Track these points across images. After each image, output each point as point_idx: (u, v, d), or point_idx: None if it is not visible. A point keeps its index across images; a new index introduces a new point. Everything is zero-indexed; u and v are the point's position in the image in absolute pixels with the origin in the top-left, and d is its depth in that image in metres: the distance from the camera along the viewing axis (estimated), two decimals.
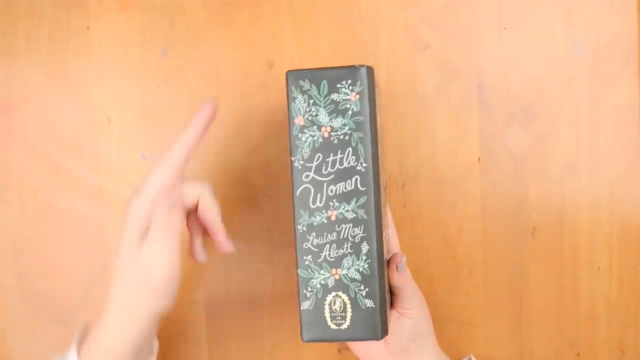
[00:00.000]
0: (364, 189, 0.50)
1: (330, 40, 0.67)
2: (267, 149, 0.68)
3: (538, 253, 0.71)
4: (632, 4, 0.70)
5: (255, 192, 0.68)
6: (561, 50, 0.70)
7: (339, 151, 0.50)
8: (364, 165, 0.50)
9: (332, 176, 0.51)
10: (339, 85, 0.50)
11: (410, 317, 0.58)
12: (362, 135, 0.50)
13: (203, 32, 0.67)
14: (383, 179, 0.56)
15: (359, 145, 0.50)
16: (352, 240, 0.50)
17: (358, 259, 0.50)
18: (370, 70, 0.50)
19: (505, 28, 0.69)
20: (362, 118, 0.50)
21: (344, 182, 0.51)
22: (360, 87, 0.50)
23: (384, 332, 0.50)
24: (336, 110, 0.50)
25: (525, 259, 0.66)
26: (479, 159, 0.70)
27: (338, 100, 0.50)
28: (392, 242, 0.61)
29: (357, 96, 0.50)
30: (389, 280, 0.55)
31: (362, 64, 0.50)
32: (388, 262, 0.55)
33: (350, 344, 0.62)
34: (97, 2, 0.66)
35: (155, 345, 0.61)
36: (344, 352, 0.70)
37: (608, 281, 0.71)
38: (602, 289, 0.71)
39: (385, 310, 0.51)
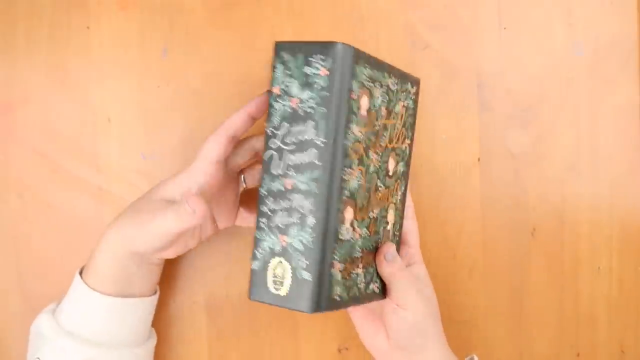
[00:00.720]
0: (320, 163, 0.51)
1: (330, 39, 0.65)
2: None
3: (538, 254, 0.71)
4: (632, 4, 0.70)
5: (256, 192, 0.67)
6: (561, 50, 0.70)
7: (303, 123, 0.52)
8: (323, 140, 0.51)
9: (294, 146, 0.52)
10: (311, 59, 0.51)
11: (407, 311, 0.57)
12: (325, 110, 0.51)
13: (203, 32, 0.67)
14: (388, 166, 0.58)
15: (321, 120, 0.51)
16: (300, 211, 0.51)
17: (303, 231, 0.51)
18: (349, 50, 0.51)
19: (505, 28, 0.70)
20: (328, 94, 0.50)
21: (302, 154, 0.52)
22: (331, 63, 0.50)
23: (317, 307, 0.51)
24: (307, 83, 0.52)
25: (525, 260, 0.66)
26: (478, 159, 0.70)
27: (309, 73, 0.51)
28: (411, 235, 0.62)
29: (327, 72, 0.51)
30: (376, 268, 0.57)
31: (348, 43, 0.51)
32: (377, 250, 0.57)
33: (360, 335, 0.62)
34: (97, 2, 0.66)
35: (154, 335, 0.63)
36: (344, 352, 0.70)
37: (608, 282, 0.71)
38: (602, 289, 0.71)
39: (324, 287, 0.51)
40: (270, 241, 0.52)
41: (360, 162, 0.53)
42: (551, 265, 0.71)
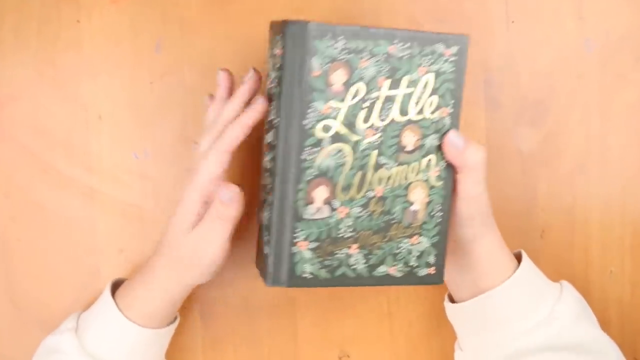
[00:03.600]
0: (275, 142, 0.53)
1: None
2: None
3: (547, 256, 0.70)
4: None
5: (255, 193, 0.67)
6: (571, 45, 0.70)
7: (271, 104, 0.55)
8: (277, 119, 0.53)
9: (267, 126, 0.56)
10: (277, 38, 0.54)
11: (459, 197, 0.57)
12: (279, 90, 0.52)
13: (198, 25, 0.66)
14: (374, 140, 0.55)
15: (277, 99, 0.53)
16: (267, 188, 0.55)
17: (266, 207, 0.55)
18: (301, 27, 0.51)
19: (513, 21, 0.69)
20: (281, 73, 0.52)
21: (269, 134, 0.55)
22: (283, 42, 0.52)
23: (274, 282, 0.53)
24: (274, 63, 0.54)
25: (535, 262, 0.64)
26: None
27: (275, 53, 0.54)
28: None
29: (281, 50, 0.52)
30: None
31: (309, 20, 0.51)
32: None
33: None
34: None
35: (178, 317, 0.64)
36: (345, 359, 0.70)
37: (620, 285, 0.71)
38: (614, 293, 0.71)
39: (283, 263, 0.53)
40: (258, 215, 0.58)
41: (339, 139, 0.53)
42: (561, 268, 0.71)
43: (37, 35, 0.65)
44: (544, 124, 0.70)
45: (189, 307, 0.67)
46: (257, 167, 0.60)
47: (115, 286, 0.62)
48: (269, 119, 0.55)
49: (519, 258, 0.62)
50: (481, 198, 0.57)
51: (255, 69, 0.59)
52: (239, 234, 0.66)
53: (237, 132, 0.56)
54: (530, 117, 0.70)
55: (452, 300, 0.63)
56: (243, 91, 0.58)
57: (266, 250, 0.54)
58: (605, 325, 0.67)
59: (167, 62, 0.66)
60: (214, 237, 0.56)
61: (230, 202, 0.55)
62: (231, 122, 0.57)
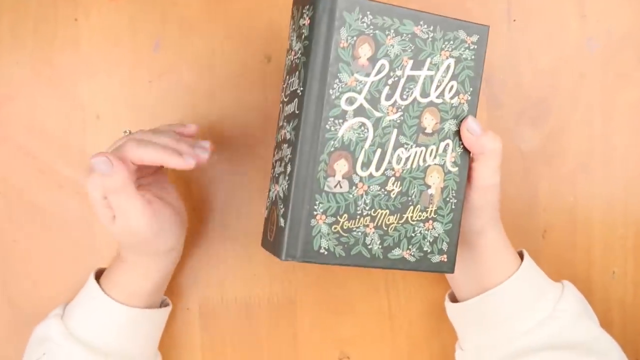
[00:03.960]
0: (298, 112, 0.53)
1: None
2: (266, 147, 0.67)
3: (549, 256, 0.70)
4: None
5: (253, 193, 0.67)
6: (573, 44, 0.69)
7: (294, 74, 0.55)
8: (301, 89, 0.53)
9: (287, 98, 0.56)
10: (304, 10, 0.54)
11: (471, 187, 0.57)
12: (305, 59, 0.53)
13: (197, 25, 0.66)
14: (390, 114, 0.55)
15: (302, 69, 0.53)
16: (285, 160, 0.54)
17: (284, 179, 0.54)
18: (333, 1, 0.52)
19: (514, 20, 0.69)
20: (308, 43, 0.52)
21: (290, 104, 0.55)
22: (311, 11, 0.52)
23: (290, 255, 0.52)
24: (299, 34, 0.54)
25: (536, 262, 0.63)
26: None
27: (301, 24, 0.54)
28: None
29: (309, 21, 0.53)
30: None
31: None
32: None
33: None
34: None
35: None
36: None
37: (623, 286, 0.71)
38: (616, 294, 0.71)
39: (299, 236, 0.53)
40: (272, 190, 0.56)
41: (362, 113, 0.53)
42: (563, 268, 0.70)
43: (34, 33, 0.65)
44: (546, 123, 0.69)
45: (187, 307, 0.67)
46: None
47: (99, 276, 0.62)
48: (292, 89, 0.54)
49: (520, 257, 0.62)
50: (494, 189, 0.58)
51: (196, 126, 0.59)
52: (234, 233, 0.67)
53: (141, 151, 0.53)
54: (532, 116, 0.69)
55: (452, 300, 0.63)
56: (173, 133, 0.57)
57: (281, 222, 0.53)
58: (607, 326, 0.67)
59: (166, 62, 0.66)
60: (128, 209, 0.54)
61: (106, 171, 0.52)
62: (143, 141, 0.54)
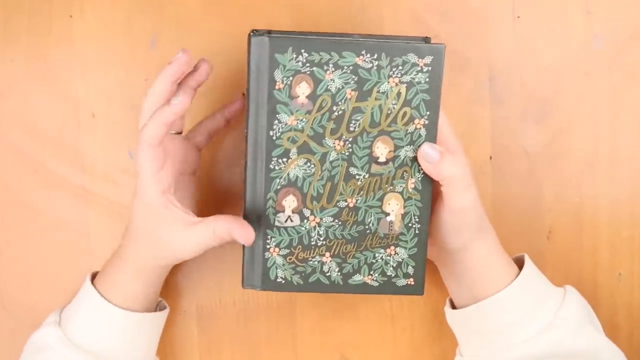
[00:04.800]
0: (245, 151, 0.55)
1: (331, 28, 0.66)
2: None
3: (554, 258, 0.69)
4: None
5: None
6: (579, 41, 0.69)
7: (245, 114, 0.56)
8: (246, 130, 0.55)
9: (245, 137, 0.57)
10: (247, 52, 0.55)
11: (445, 207, 0.56)
12: (246, 102, 0.54)
13: (195, 21, 0.66)
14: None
15: (246, 110, 0.55)
16: (242, 195, 0.57)
17: (242, 213, 0.57)
18: (261, 41, 0.53)
19: (519, 17, 0.69)
20: (247, 86, 0.54)
21: (244, 143, 0.56)
22: (247, 56, 0.54)
23: (249, 284, 0.57)
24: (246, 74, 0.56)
25: (541, 264, 0.63)
26: (490, 157, 0.69)
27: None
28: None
29: (246, 65, 0.54)
30: None
31: (272, 33, 0.54)
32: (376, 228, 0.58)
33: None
34: None
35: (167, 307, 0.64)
36: None
37: (630, 288, 0.70)
38: (623, 296, 0.70)
39: (256, 267, 0.56)
40: None
41: (306, 150, 0.55)
42: (568, 270, 0.70)
43: (28, 29, 0.65)
44: (551, 122, 0.69)
45: (185, 309, 0.67)
46: None
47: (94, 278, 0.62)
48: (244, 130, 0.56)
49: (522, 261, 0.61)
50: (467, 211, 0.57)
51: (184, 50, 0.56)
52: None
53: (157, 123, 0.53)
54: (536, 115, 0.69)
55: (452, 306, 0.63)
56: (168, 73, 0.55)
57: (243, 253, 0.56)
58: (613, 330, 0.68)
59: (163, 59, 0.66)
60: (195, 245, 0.55)
61: (236, 238, 0.54)
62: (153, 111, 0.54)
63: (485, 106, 0.68)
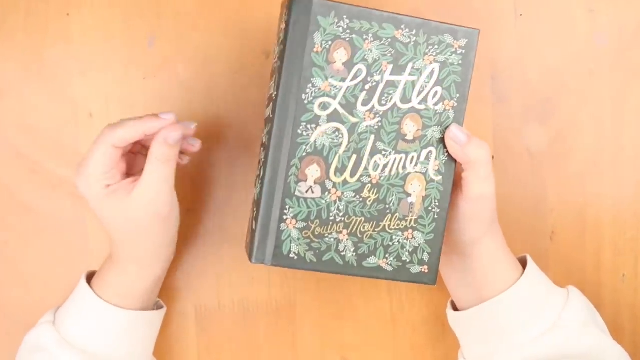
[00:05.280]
0: (272, 116, 0.53)
1: None
2: None
3: (557, 258, 0.69)
4: None
5: (250, 194, 0.67)
6: (582, 39, 0.69)
7: (272, 78, 0.56)
8: (275, 93, 0.53)
9: (266, 102, 0.57)
10: (283, 14, 0.55)
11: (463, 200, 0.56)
12: (280, 63, 0.53)
13: (193, 19, 0.66)
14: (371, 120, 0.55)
15: (277, 73, 0.54)
16: (260, 163, 0.56)
17: (258, 182, 0.55)
18: (305, 2, 0.52)
19: (521, 15, 0.69)
20: (282, 47, 0.53)
21: (268, 108, 0.56)
22: (286, 15, 0.53)
23: (260, 259, 0.54)
24: (278, 38, 0.56)
25: (543, 265, 0.63)
26: (493, 157, 0.68)
27: (281, 28, 0.55)
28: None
29: (284, 25, 0.53)
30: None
31: None
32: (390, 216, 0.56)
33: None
34: None
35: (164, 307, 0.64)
36: None
37: (633, 289, 0.70)
38: (626, 298, 0.70)
39: (269, 240, 0.54)
40: (254, 192, 0.57)
41: (336, 118, 0.54)
42: (571, 271, 0.70)
43: (24, 28, 0.65)
44: (554, 121, 0.69)
45: (183, 309, 0.67)
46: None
47: (90, 278, 0.61)
48: (269, 93, 0.56)
49: (524, 262, 0.61)
50: (486, 199, 0.56)
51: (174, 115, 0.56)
52: (231, 234, 0.67)
53: (131, 131, 0.54)
54: (539, 114, 0.69)
55: (454, 308, 0.63)
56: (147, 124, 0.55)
57: (254, 225, 0.55)
58: (617, 331, 0.67)
59: (161, 58, 0.66)
60: (161, 183, 0.54)
61: (176, 142, 0.54)
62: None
63: (487, 105, 0.68)
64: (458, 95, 0.55)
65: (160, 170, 0.54)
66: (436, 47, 0.54)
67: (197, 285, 0.67)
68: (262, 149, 0.56)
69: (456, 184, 0.56)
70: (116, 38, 0.65)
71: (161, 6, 0.65)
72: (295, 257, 0.54)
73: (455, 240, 0.58)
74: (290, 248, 0.54)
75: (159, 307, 0.63)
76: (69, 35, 0.65)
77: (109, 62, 0.65)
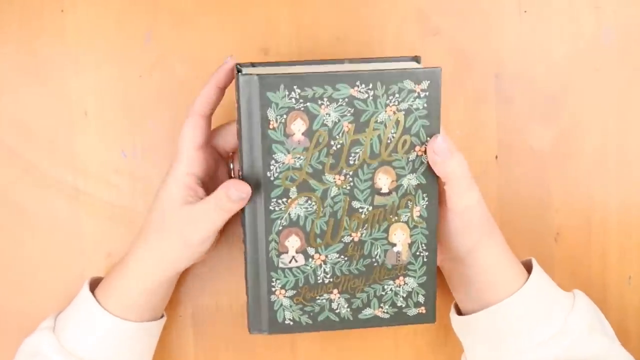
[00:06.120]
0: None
1: (331, 25, 0.66)
2: None
3: (562, 260, 0.70)
4: None
5: None
6: (588, 36, 0.69)
7: (238, 148, 0.56)
8: (241, 173, 0.54)
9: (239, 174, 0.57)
10: (235, 95, 0.55)
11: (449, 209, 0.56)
12: (239, 142, 0.54)
13: (190, 16, 0.66)
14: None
15: (239, 150, 0.54)
16: (242, 238, 0.57)
17: (243, 256, 0.56)
18: (251, 80, 0.52)
19: (525, 11, 0.68)
20: (238, 126, 0.53)
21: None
22: (236, 96, 0.53)
23: (256, 329, 0.56)
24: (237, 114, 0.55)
25: (548, 267, 0.63)
26: (496, 157, 0.68)
27: (235, 106, 0.55)
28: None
29: (236, 104, 0.53)
30: None
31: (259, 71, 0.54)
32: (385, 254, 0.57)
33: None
34: None
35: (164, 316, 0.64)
36: None
37: (639, 292, 0.70)
38: (632, 300, 0.70)
39: (262, 311, 0.56)
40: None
41: (306, 188, 0.54)
42: (576, 273, 0.69)
43: (19, 25, 0.65)
44: (559, 120, 0.69)
45: (181, 315, 0.67)
46: None
47: (94, 285, 0.61)
48: (238, 172, 0.55)
49: (529, 266, 0.61)
50: (471, 210, 0.56)
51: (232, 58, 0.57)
52: (229, 236, 0.67)
53: (206, 94, 0.56)
54: (544, 113, 0.69)
55: (458, 312, 0.63)
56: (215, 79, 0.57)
57: (247, 297, 0.56)
58: (623, 335, 0.67)
59: (158, 55, 0.66)
60: (207, 222, 0.55)
61: (237, 200, 0.53)
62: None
63: (491, 104, 0.68)
64: (428, 139, 0.54)
65: (213, 215, 0.54)
66: (397, 95, 0.53)
67: (195, 289, 0.67)
68: (241, 225, 0.56)
69: (441, 198, 0.56)
70: (112, 35, 0.65)
71: (158, 3, 0.65)
72: (292, 323, 0.56)
73: (452, 251, 0.58)
74: (284, 316, 0.56)
75: (160, 316, 0.63)
76: (63, 33, 0.65)
77: (105, 60, 0.65)
